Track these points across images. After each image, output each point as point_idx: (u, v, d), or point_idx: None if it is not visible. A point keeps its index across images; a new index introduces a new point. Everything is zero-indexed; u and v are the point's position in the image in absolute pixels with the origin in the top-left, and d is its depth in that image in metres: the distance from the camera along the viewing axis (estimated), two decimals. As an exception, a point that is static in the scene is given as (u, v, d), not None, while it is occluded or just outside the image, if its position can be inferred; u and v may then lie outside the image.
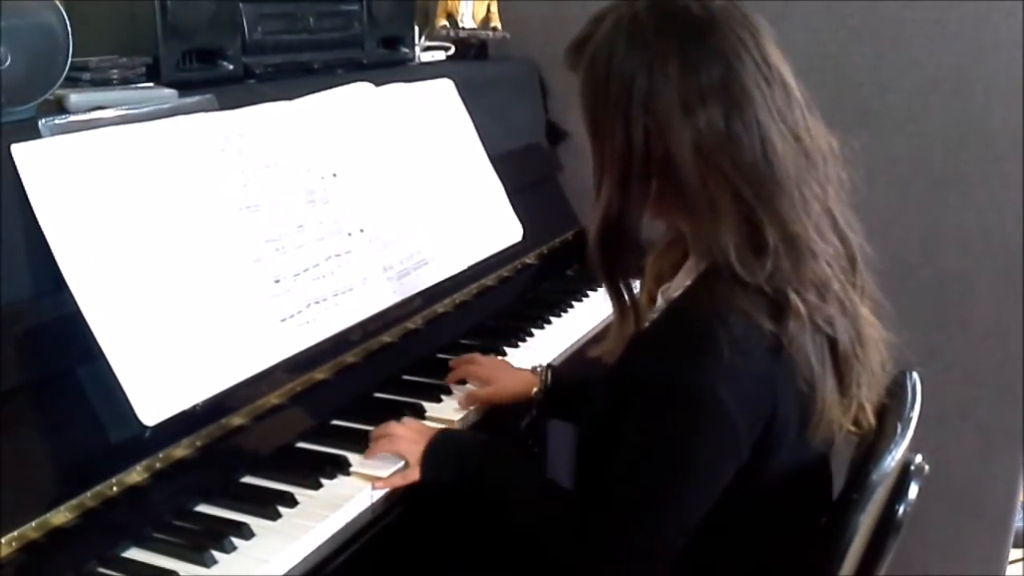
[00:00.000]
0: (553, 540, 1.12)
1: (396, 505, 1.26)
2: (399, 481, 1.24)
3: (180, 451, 1.20)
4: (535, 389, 1.48)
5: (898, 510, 1.07)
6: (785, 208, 1.01)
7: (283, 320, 1.33)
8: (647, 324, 1.16)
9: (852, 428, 1.07)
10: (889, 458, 1.04)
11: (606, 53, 1.04)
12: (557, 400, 1.48)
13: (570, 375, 1.50)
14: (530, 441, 1.50)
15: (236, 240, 1.31)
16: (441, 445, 1.26)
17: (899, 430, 1.08)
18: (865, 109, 1.96)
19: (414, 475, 1.24)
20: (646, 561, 1.04)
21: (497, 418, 1.50)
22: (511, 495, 1.19)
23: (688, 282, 1.11)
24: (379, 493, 1.23)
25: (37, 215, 1.10)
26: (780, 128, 1.02)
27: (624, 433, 1.04)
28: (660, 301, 1.19)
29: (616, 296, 1.16)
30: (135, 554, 1.10)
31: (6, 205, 1.10)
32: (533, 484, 1.22)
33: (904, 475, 1.08)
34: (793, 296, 1.00)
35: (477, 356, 1.58)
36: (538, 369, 1.51)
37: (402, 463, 1.27)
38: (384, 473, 1.26)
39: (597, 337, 1.85)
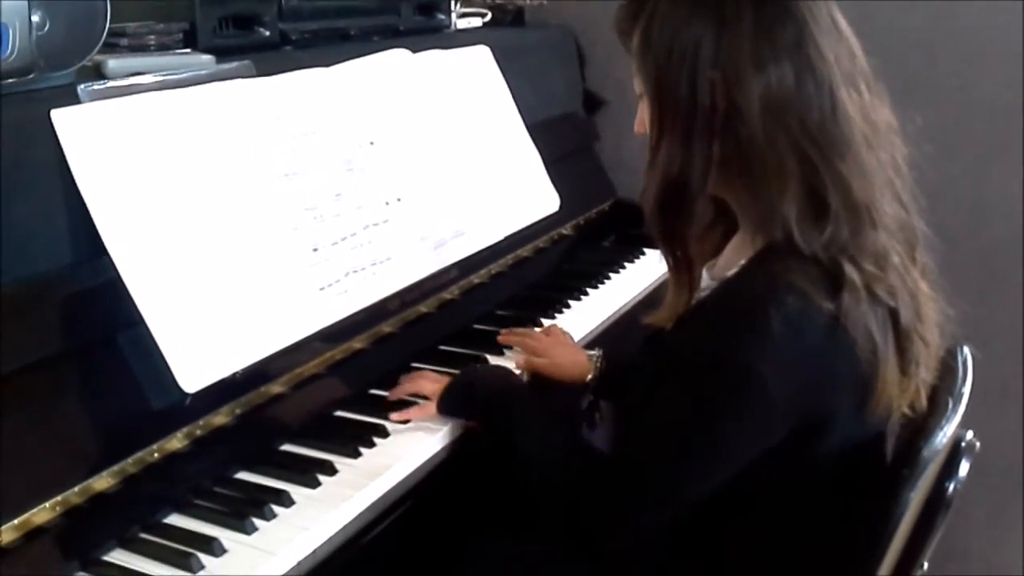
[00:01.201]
0: (561, 480, 1.12)
1: (435, 475, 1.25)
2: (417, 413, 1.31)
3: (220, 418, 1.20)
4: (589, 376, 1.49)
5: (948, 487, 1.04)
6: (851, 172, 0.99)
7: (321, 289, 1.32)
8: (695, 302, 1.14)
9: (907, 411, 1.04)
10: (940, 434, 1.01)
11: (674, 9, 1.02)
12: (610, 384, 1.50)
13: (622, 360, 1.50)
14: (587, 422, 1.54)
15: (274, 208, 1.30)
16: (462, 378, 1.33)
17: (951, 406, 1.06)
18: (913, 78, 1.91)
19: (431, 409, 1.30)
20: (645, 520, 1.04)
21: (537, 391, 1.49)
22: (524, 430, 1.19)
23: (741, 259, 1.08)
24: (418, 462, 1.23)
25: (77, 181, 1.10)
26: (849, 90, 1.01)
27: (655, 398, 1.03)
28: (706, 278, 1.16)
29: (674, 264, 1.14)
30: (176, 520, 1.11)
31: (46, 171, 1.10)
32: (549, 426, 1.20)
33: (955, 452, 1.06)
34: (848, 266, 0.97)
35: (534, 333, 1.58)
36: (593, 357, 1.51)
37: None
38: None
39: (645, 303, 1.85)
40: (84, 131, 1.12)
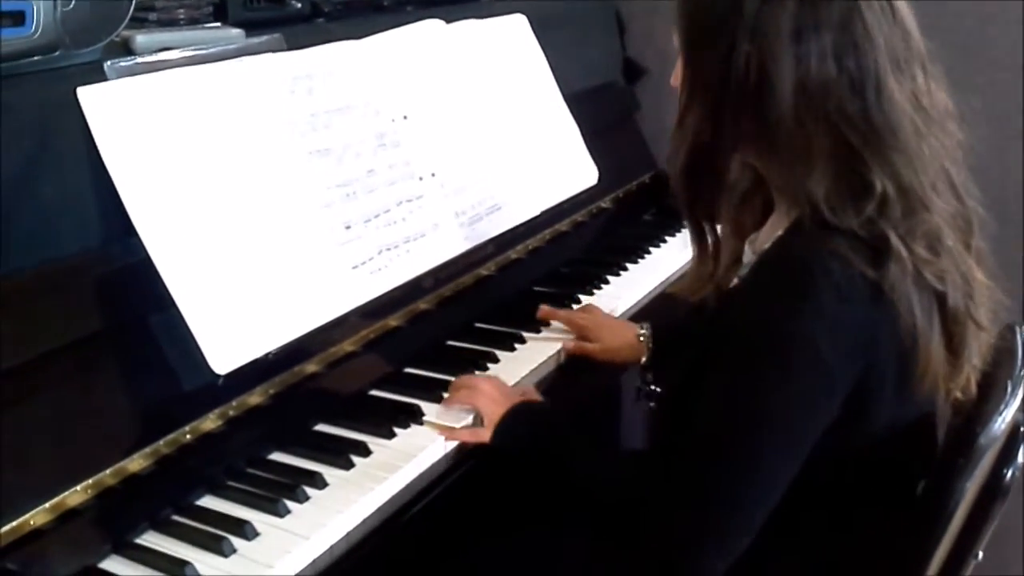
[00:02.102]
0: (633, 519, 1.05)
1: (471, 456, 1.23)
2: (468, 438, 1.22)
3: (254, 399, 1.19)
4: (644, 358, 1.45)
5: (1005, 475, 1.00)
6: (899, 161, 0.94)
7: (355, 267, 1.30)
8: (738, 279, 1.10)
9: (959, 395, 1.00)
10: (999, 420, 0.97)
11: None
12: (660, 358, 1.46)
13: (669, 333, 1.46)
14: (644, 396, 1.49)
15: (306, 185, 1.28)
16: (520, 415, 1.21)
17: (1009, 390, 1.01)
18: (965, 44, 1.83)
19: (485, 436, 1.21)
20: (732, 531, 0.98)
21: (576, 370, 1.47)
22: (586, 473, 1.13)
23: (778, 232, 1.04)
24: (453, 443, 1.21)
25: (104, 159, 1.08)
26: (898, 76, 0.95)
27: (712, 384, 0.99)
28: (749, 254, 1.12)
29: (697, 232, 1.11)
30: (209, 502, 1.10)
31: (73, 149, 1.08)
32: (609, 464, 1.16)
33: (1013, 437, 1.01)
34: (895, 240, 0.93)
35: (579, 316, 1.53)
36: (643, 337, 1.46)
37: (471, 417, 1.24)
38: (457, 426, 1.23)
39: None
40: (111, 109, 1.10)
